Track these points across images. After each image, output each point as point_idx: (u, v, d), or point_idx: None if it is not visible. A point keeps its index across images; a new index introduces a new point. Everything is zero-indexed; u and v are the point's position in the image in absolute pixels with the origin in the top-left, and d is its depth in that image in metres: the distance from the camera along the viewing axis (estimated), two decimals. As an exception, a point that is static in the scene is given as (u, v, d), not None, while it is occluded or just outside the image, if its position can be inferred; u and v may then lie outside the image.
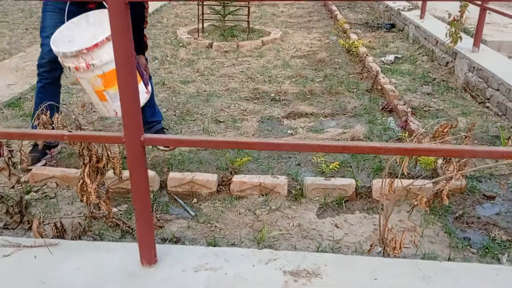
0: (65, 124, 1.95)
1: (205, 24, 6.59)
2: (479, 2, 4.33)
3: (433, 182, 1.98)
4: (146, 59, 2.94)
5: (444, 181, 1.91)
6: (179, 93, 4.23)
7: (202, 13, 6.35)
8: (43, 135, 1.51)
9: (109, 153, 2.07)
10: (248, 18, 6.32)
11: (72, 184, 2.61)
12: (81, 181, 2.11)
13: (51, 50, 2.66)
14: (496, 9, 4.26)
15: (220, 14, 6.33)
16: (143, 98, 2.56)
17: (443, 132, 2.00)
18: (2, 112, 3.71)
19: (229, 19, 6.48)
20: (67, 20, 2.62)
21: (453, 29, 4.40)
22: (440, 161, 2.52)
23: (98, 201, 2.09)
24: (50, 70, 2.72)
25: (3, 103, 3.84)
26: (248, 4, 6.21)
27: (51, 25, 2.66)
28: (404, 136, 2.88)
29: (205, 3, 6.36)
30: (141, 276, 1.69)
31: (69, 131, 1.50)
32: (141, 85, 2.55)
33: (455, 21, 4.38)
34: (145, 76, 2.74)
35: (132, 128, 1.52)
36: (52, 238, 2.04)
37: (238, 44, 5.88)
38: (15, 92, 4.07)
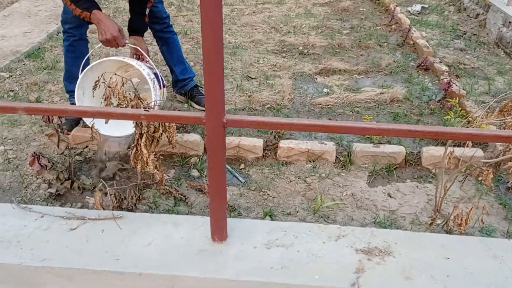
0: (125, 95, 1.86)
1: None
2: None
3: (496, 162, 1.95)
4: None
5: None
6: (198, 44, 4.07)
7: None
8: (117, 114, 1.43)
9: (166, 123, 2.01)
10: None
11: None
12: (136, 148, 2.06)
13: None
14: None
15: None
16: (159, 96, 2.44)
17: (513, 107, 1.94)
18: (24, 64, 3.57)
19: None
20: None
21: (489, -20, 4.20)
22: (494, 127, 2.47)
23: (154, 171, 2.05)
24: (77, 25, 2.56)
25: (24, 54, 3.68)
26: None
27: None
28: (453, 101, 2.81)
29: None
30: (214, 253, 1.68)
31: (146, 110, 1.42)
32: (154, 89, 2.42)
33: (492, -28, 4.17)
34: (148, 65, 2.55)
35: (214, 109, 1.44)
36: (112, 209, 2.01)
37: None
38: (33, 42, 3.90)
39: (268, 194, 2.28)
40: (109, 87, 1.76)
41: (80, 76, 2.33)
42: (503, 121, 1.99)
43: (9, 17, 4.46)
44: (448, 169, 2.40)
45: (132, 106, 1.85)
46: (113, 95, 1.78)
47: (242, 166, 2.49)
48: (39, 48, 3.84)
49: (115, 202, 1.97)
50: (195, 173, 2.44)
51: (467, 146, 2.10)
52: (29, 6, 4.74)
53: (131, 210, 2.08)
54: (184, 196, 2.23)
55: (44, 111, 1.54)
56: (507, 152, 2.00)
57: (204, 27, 1.30)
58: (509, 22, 4.03)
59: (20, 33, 4.05)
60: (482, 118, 2.00)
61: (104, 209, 1.92)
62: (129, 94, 1.90)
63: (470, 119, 2.39)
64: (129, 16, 2.64)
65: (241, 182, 2.37)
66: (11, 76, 3.37)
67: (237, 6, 5.16)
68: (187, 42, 4.12)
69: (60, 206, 2.16)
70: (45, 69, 3.49)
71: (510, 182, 2.35)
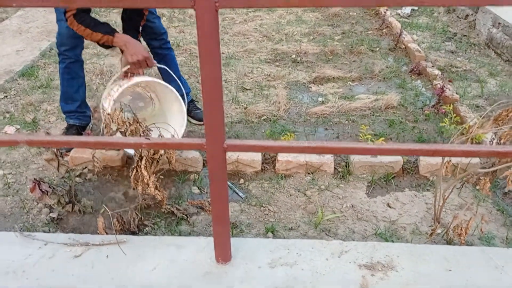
0: (124, 121, 1.87)
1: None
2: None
3: (493, 170, 1.97)
4: None
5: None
6: (196, 56, 4.08)
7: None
8: (120, 144, 1.44)
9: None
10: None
11: (114, 165, 2.56)
12: (136, 170, 2.07)
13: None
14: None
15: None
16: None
17: (507, 117, 1.97)
18: (19, 84, 3.56)
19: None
20: None
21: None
22: (489, 136, 2.50)
23: (156, 192, 2.06)
24: (72, 47, 2.56)
25: (17, 73, 3.67)
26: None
27: None
28: (446, 107, 2.85)
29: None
30: (220, 275, 1.70)
31: (147, 138, 1.43)
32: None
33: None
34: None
35: (214, 135, 1.46)
36: (114, 233, 2.01)
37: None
38: (26, 60, 3.89)
39: (269, 209, 2.30)
40: (108, 114, 1.77)
41: (118, 92, 2.32)
42: (498, 130, 2.02)
43: (0, 35, 4.44)
44: (446, 176, 2.43)
45: (131, 131, 1.86)
46: (112, 121, 1.79)
47: (242, 181, 2.51)
48: (33, 66, 3.84)
49: (118, 225, 1.98)
50: (195, 190, 2.45)
51: (464, 155, 2.12)
52: (19, 23, 4.73)
53: (134, 233, 2.09)
54: (186, 215, 2.24)
55: (47, 143, 1.54)
56: (502, 160, 2.03)
57: (202, 60, 1.32)
58: (499, 23, 4.08)
59: (12, 52, 4.04)
60: (477, 128, 2.03)
61: (107, 233, 1.93)
62: (127, 118, 1.91)
63: (466, 127, 2.42)
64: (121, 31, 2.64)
65: (242, 198, 2.39)
66: (6, 96, 3.36)
67: (228, 15, 5.17)
68: (180, 54, 4.13)
69: (62, 230, 2.17)
70: (39, 88, 3.48)
71: (507, 188, 2.38)
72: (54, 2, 1.24)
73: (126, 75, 2.51)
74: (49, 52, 4.13)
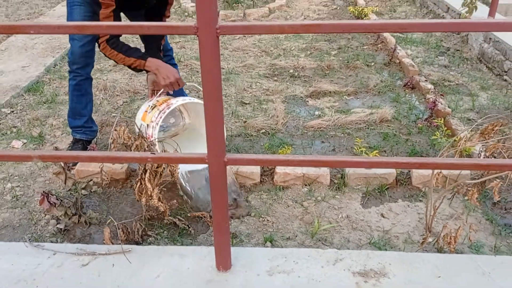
0: (129, 136, 1.98)
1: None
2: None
3: (481, 181, 2.08)
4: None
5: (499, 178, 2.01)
6: (197, 72, 4.20)
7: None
8: (126, 158, 1.54)
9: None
10: (253, -16, 6.18)
11: (118, 178, 2.66)
12: (140, 183, 2.17)
13: (82, 45, 2.63)
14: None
15: (225, -20, 6.17)
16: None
17: (492, 131, 2.08)
18: (25, 99, 3.68)
19: (233, -15, 6.33)
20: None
21: (469, -1, 4.39)
22: (478, 147, 2.61)
23: (159, 204, 2.15)
24: (84, 66, 2.68)
25: (23, 89, 3.79)
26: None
27: (80, 19, 2.59)
28: (438, 121, 2.95)
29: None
30: (221, 283, 1.79)
31: (152, 153, 1.53)
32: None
33: (472, -9, 4.36)
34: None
35: (215, 149, 1.56)
36: (119, 243, 2.11)
37: (244, 12, 5.78)
38: (31, 76, 4.01)
39: (267, 220, 2.39)
40: (115, 130, 1.87)
41: (161, 118, 2.43)
42: (485, 143, 2.12)
43: (6, 51, 4.57)
44: (437, 188, 2.53)
45: (137, 145, 1.96)
46: (119, 137, 1.90)
47: (241, 191, 2.60)
48: (38, 82, 3.95)
49: (123, 236, 2.07)
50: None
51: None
52: (25, 39, 4.86)
53: (137, 243, 2.18)
54: (188, 226, 2.33)
55: (58, 158, 1.64)
56: (491, 172, 2.14)
57: (204, 80, 1.42)
58: (490, 38, 4.21)
59: (18, 68, 4.16)
60: (465, 141, 2.14)
61: (113, 243, 2.02)
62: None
63: (456, 139, 2.52)
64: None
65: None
66: (13, 111, 3.47)
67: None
68: (181, 69, 4.25)
69: (69, 241, 2.26)
70: (45, 103, 3.59)
71: (495, 198, 2.48)
72: (68, 29, 1.35)
73: (153, 93, 2.64)
74: (54, 68, 4.25)
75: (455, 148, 2.19)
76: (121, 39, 2.52)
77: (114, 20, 2.37)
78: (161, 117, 2.42)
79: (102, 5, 2.33)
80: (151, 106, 2.53)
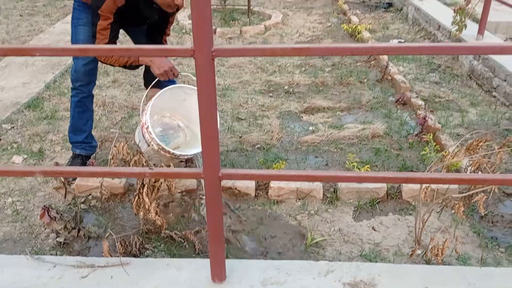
0: (128, 152, 2.05)
1: (205, 8, 6.56)
2: (485, -9, 4.45)
3: (468, 194, 2.16)
4: None
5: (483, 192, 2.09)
6: (194, 86, 4.29)
7: (203, -2, 6.32)
8: (125, 173, 1.62)
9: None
10: (248, 3, 6.31)
11: (117, 193, 2.73)
12: (138, 197, 2.24)
13: (86, 63, 2.72)
14: (504, 0, 4.38)
15: (222, -2, 6.32)
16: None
17: (477, 146, 2.17)
18: (25, 115, 3.75)
19: (229, 3, 6.47)
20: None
21: (458, 17, 4.52)
22: (465, 161, 2.69)
23: (156, 217, 2.22)
24: (86, 83, 2.77)
25: (23, 105, 3.87)
26: (250, -12, 6.21)
27: (85, 39, 2.68)
28: (427, 137, 3.04)
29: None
30: (215, 294, 1.85)
31: (150, 168, 1.61)
32: None
33: (461, 9, 4.50)
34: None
35: (211, 165, 1.64)
36: (118, 256, 2.17)
37: (241, 29, 5.90)
38: (32, 92, 4.09)
39: (262, 233, 2.45)
40: (115, 146, 1.95)
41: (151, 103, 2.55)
42: (471, 158, 2.21)
43: (6, 68, 4.66)
44: (426, 202, 2.61)
45: (135, 161, 2.04)
46: (118, 153, 1.97)
47: (237, 205, 2.67)
48: (38, 98, 4.03)
49: (121, 249, 2.14)
50: (193, 215, 2.61)
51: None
52: (25, 56, 4.94)
53: (136, 256, 2.24)
54: (184, 239, 2.40)
55: (60, 173, 1.72)
56: (475, 187, 2.22)
57: (200, 98, 1.51)
58: (479, 56, 4.33)
59: (19, 84, 4.25)
60: (451, 157, 2.22)
61: (111, 256, 2.08)
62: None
63: (444, 154, 2.61)
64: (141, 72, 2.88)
65: (236, 212, 2.55)
66: (13, 127, 3.55)
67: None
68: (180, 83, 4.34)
69: (69, 254, 2.32)
70: (45, 119, 3.67)
71: (480, 211, 2.55)
72: (72, 52, 1.44)
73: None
74: (54, 84, 4.34)
75: (442, 163, 2.27)
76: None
77: (111, 33, 2.47)
78: (152, 101, 2.54)
79: (101, 17, 2.42)
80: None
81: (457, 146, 2.28)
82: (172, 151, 2.51)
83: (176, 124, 2.98)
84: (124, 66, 2.59)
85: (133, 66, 2.61)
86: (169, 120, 2.97)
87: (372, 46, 1.44)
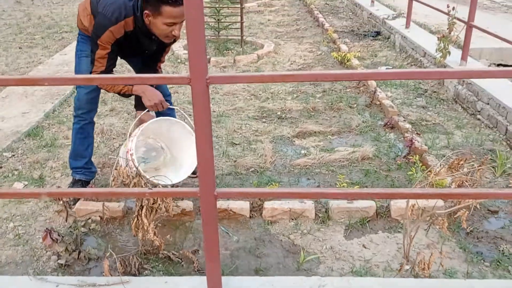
0: (128, 175, 2.16)
1: (200, 39, 6.78)
2: (465, 20, 4.67)
3: (452, 211, 2.28)
4: None
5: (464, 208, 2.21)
6: (190, 115, 4.43)
7: (197, 29, 6.55)
8: (126, 193, 1.72)
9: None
10: (242, 34, 6.53)
11: (116, 216, 2.82)
12: (137, 219, 2.34)
13: (88, 92, 2.85)
14: (482, 27, 4.60)
15: (215, 29, 6.53)
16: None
17: (458, 165, 2.30)
18: (25, 143, 3.86)
19: (223, 34, 6.69)
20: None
21: (442, 45, 4.73)
22: (449, 179, 2.81)
23: (154, 238, 2.31)
24: (88, 111, 2.90)
25: (24, 134, 3.98)
26: (242, 20, 6.44)
27: (88, 70, 2.81)
28: (413, 158, 3.18)
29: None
30: (212, 309, 1.93)
31: (149, 188, 1.72)
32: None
33: (444, 37, 4.72)
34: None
35: (206, 184, 1.75)
36: (119, 275, 2.24)
37: (235, 59, 6.10)
38: (31, 121, 4.21)
39: (258, 251, 2.54)
40: (116, 169, 2.06)
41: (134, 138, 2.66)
42: (452, 176, 2.34)
43: (7, 98, 4.79)
44: (413, 219, 2.71)
45: (134, 183, 2.15)
46: (119, 175, 2.08)
47: (233, 226, 2.77)
48: (38, 127, 4.15)
49: (121, 268, 2.22)
50: (190, 236, 2.70)
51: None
52: (25, 87, 5.09)
53: (135, 275, 2.32)
54: (181, 259, 2.48)
55: (64, 194, 1.82)
56: (459, 203, 2.34)
57: (196, 122, 1.63)
58: (463, 81, 4.51)
59: (18, 114, 4.37)
60: (435, 175, 2.35)
61: (111, 275, 2.16)
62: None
63: (429, 172, 2.73)
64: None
65: (230, 236, 2.64)
66: (14, 155, 3.65)
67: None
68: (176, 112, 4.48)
69: (69, 275, 2.39)
70: (44, 147, 3.78)
71: (469, 228, 2.67)
72: (78, 81, 1.57)
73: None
74: (53, 113, 4.47)
75: (426, 182, 2.40)
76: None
77: (108, 61, 2.61)
78: (140, 130, 2.65)
79: (99, 47, 2.57)
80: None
81: (440, 164, 2.40)
82: (147, 177, 2.56)
83: (159, 146, 3.10)
84: (118, 93, 2.73)
85: (126, 95, 2.76)
86: (152, 142, 3.09)
87: (352, 72, 1.59)
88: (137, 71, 3.11)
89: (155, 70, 2.94)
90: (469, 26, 4.59)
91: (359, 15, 8.75)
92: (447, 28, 4.71)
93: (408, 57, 6.01)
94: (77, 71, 2.89)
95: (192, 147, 2.82)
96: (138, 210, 2.31)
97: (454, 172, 2.30)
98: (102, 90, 2.92)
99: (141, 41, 2.67)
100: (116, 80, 1.70)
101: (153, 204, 2.30)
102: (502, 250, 2.50)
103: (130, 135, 2.71)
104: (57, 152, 3.68)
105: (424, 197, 1.86)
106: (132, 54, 2.85)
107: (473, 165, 2.60)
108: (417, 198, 1.90)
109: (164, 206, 2.37)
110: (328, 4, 10.26)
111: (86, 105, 2.87)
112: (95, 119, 3.03)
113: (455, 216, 2.28)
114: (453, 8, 4.69)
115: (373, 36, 7.22)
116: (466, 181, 2.25)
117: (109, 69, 2.63)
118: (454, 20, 4.71)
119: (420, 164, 3.10)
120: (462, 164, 2.29)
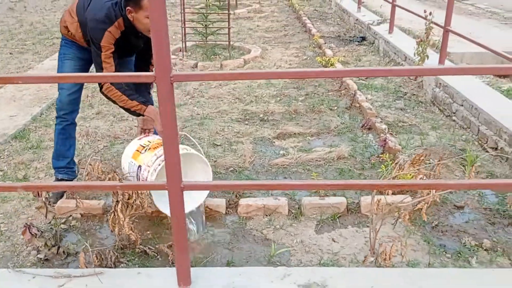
0: (103, 170, 2.27)
1: (188, 44, 6.91)
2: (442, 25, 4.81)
3: (414, 203, 2.39)
4: None
5: (423, 201, 2.32)
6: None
7: (185, 34, 6.68)
8: (98, 186, 1.82)
9: (138, 191, 2.40)
10: (229, 39, 6.66)
11: (96, 213, 2.91)
12: (113, 214, 2.43)
13: (70, 93, 2.96)
14: (459, 33, 4.74)
15: (203, 34, 6.66)
16: None
17: (419, 160, 2.41)
18: (11, 145, 3.95)
19: (210, 39, 6.81)
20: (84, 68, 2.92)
21: (420, 49, 4.87)
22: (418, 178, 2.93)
23: (130, 232, 2.41)
24: (70, 112, 3.00)
25: (10, 136, 4.07)
26: (229, 26, 6.56)
27: (69, 72, 2.92)
28: (384, 156, 3.30)
29: (188, 25, 6.71)
30: (181, 297, 2.03)
31: (120, 181, 1.82)
32: None
33: (422, 42, 4.86)
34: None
35: (173, 177, 1.85)
36: (94, 267, 2.34)
37: (221, 63, 6.22)
38: (18, 124, 4.31)
39: (231, 245, 2.64)
40: (90, 164, 2.17)
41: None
42: (416, 171, 2.45)
43: (-5, 102, 4.88)
44: (380, 213, 2.82)
45: (109, 179, 2.25)
46: (93, 170, 2.18)
47: (209, 223, 2.87)
48: (24, 129, 4.25)
49: (96, 261, 2.31)
50: (166, 232, 2.80)
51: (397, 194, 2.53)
52: (13, 91, 5.19)
53: (111, 268, 2.41)
54: (157, 253, 2.58)
55: (38, 188, 1.92)
56: (421, 195, 2.45)
57: (162, 115, 1.74)
58: (440, 83, 4.65)
59: (6, 117, 4.47)
60: (398, 171, 2.46)
61: (87, 267, 2.25)
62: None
63: (393, 168, 2.85)
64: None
65: (194, 231, 2.73)
66: (0, 157, 3.74)
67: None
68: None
69: (48, 268, 2.48)
70: (30, 148, 3.87)
71: (434, 222, 2.78)
72: (52, 79, 1.67)
73: (142, 131, 2.92)
74: (40, 116, 4.56)
75: (392, 175, 2.51)
76: None
77: (114, 60, 2.66)
78: (159, 164, 2.47)
79: (103, 48, 2.65)
80: (143, 146, 2.69)
81: (403, 160, 2.52)
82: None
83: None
84: (127, 110, 2.70)
85: (135, 113, 2.72)
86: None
87: (320, 70, 1.70)
88: None
89: (148, 71, 3.05)
90: (446, 31, 4.73)
91: (346, 21, 8.91)
92: (425, 33, 4.85)
93: (391, 62, 6.15)
94: (59, 72, 3.00)
95: (207, 178, 2.85)
96: (115, 205, 2.41)
97: (416, 167, 2.41)
98: (83, 92, 3.03)
99: (131, 40, 2.77)
100: (88, 78, 1.80)
101: (128, 199, 2.40)
102: (464, 243, 2.61)
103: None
104: (42, 154, 3.78)
105: (378, 187, 1.97)
106: (124, 54, 2.94)
107: (437, 161, 2.72)
108: (372, 188, 2.01)
109: (140, 202, 2.47)
110: (317, 10, 10.44)
111: (68, 106, 2.97)
112: (81, 121, 3.14)
113: (415, 209, 2.38)
114: (430, 13, 4.84)
115: (358, 42, 7.37)
116: (429, 176, 2.36)
117: (116, 68, 2.69)
118: (431, 25, 4.85)
119: (391, 162, 3.22)
120: (423, 160, 2.40)
